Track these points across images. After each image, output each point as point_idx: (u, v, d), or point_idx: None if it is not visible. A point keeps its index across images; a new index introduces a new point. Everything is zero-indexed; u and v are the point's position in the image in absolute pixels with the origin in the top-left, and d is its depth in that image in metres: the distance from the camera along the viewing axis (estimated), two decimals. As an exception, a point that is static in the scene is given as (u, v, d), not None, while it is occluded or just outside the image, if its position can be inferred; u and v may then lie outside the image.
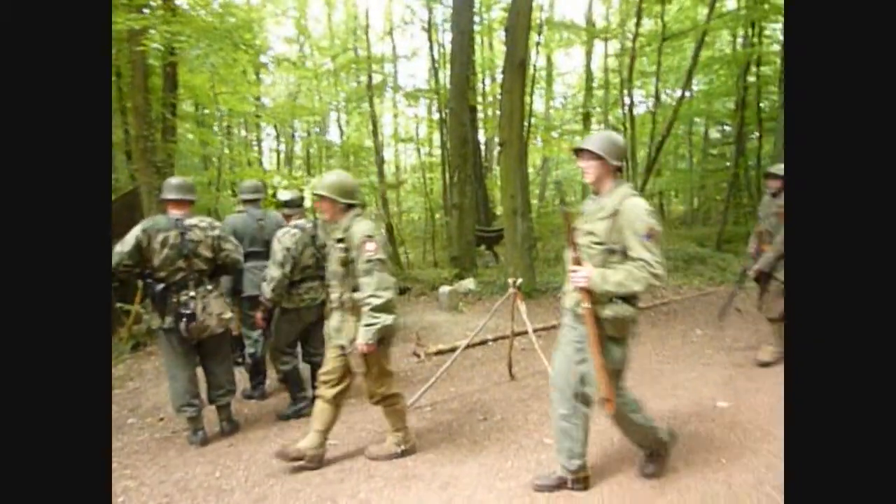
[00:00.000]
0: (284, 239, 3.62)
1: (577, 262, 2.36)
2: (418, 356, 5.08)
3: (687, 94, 12.37)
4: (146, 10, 5.83)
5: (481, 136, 14.53)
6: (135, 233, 3.14)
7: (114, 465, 3.17)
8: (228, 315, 3.41)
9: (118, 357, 5.25)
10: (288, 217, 3.85)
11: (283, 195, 4.02)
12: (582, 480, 2.63)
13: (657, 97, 12.35)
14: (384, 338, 2.82)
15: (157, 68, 7.91)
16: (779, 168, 4.32)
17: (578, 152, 2.44)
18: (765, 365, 4.38)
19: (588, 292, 2.30)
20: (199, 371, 3.46)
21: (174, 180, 3.43)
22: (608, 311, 2.32)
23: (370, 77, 11.87)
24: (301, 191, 3.72)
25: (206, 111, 13.50)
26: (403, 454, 3.06)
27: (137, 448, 3.41)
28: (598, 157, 2.35)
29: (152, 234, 3.15)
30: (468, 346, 5.15)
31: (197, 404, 3.36)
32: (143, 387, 4.55)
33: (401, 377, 4.58)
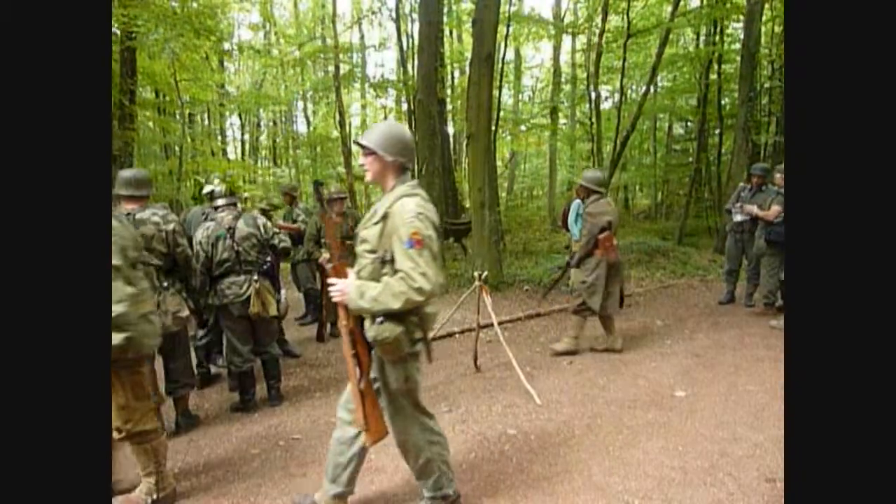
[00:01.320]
0: (196, 234, 3.60)
1: (336, 272, 2.09)
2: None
3: (651, 90, 12.63)
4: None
5: (450, 129, 14.52)
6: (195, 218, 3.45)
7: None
8: (185, 313, 3.31)
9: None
10: (216, 210, 3.75)
11: (207, 187, 3.83)
12: None
13: (622, 93, 12.56)
14: (122, 360, 2.24)
15: (114, 53, 7.61)
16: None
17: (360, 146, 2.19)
18: (557, 354, 4.74)
19: (345, 308, 2.04)
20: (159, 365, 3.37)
21: (127, 173, 3.28)
22: (370, 332, 2.02)
23: (337, 67, 11.69)
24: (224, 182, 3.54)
25: (167, 99, 13.06)
26: None
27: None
28: (374, 152, 2.10)
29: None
30: (434, 339, 5.16)
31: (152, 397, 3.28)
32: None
33: (367, 370, 4.57)
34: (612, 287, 4.61)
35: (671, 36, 10.34)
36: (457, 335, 5.48)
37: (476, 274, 4.24)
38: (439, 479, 2.33)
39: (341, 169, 13.46)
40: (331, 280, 2.07)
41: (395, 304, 1.92)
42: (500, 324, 4.56)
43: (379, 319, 1.99)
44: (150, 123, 13.05)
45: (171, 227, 3.24)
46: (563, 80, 16.38)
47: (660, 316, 6.13)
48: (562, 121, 17.06)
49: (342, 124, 11.59)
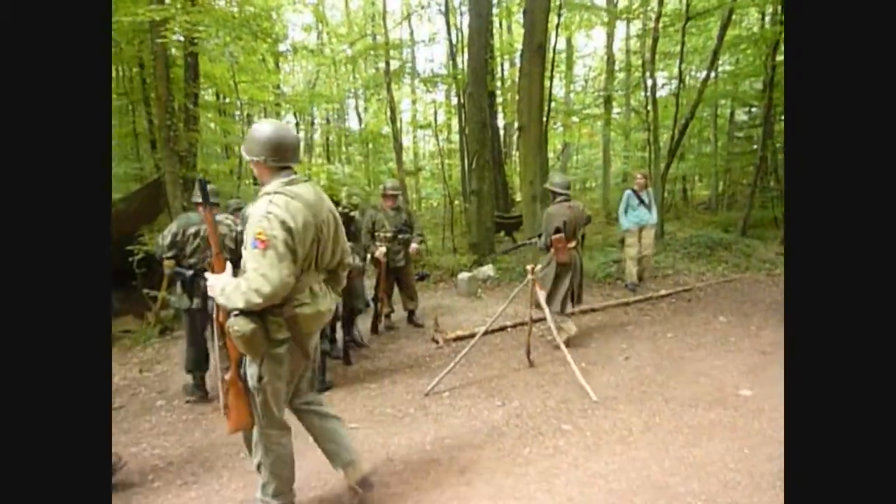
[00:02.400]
0: None
1: (214, 266, 2.20)
2: (437, 342, 5.11)
3: (712, 75, 12.05)
4: (167, 1, 5.89)
5: (500, 122, 14.40)
6: (171, 227, 3.87)
7: (143, 446, 3.28)
8: None
9: (147, 341, 5.39)
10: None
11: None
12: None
13: (681, 79, 12.03)
14: None
15: (178, 59, 8.00)
16: None
17: None
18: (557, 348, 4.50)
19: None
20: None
21: (211, 186, 3.95)
22: (228, 323, 2.06)
23: (388, 63, 11.81)
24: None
25: (227, 100, 13.62)
26: None
27: (165, 429, 3.51)
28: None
29: (185, 228, 3.84)
30: (487, 333, 5.16)
31: (207, 369, 3.98)
32: (171, 370, 4.68)
33: (419, 363, 4.63)
34: (559, 286, 4.69)
35: (734, 16, 9.79)
36: (509, 329, 5.45)
37: (529, 267, 4.20)
38: (268, 486, 2.32)
39: (393, 164, 13.62)
40: (206, 274, 2.20)
41: (239, 303, 1.97)
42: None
43: (234, 313, 2.04)
44: (212, 125, 13.64)
45: (239, 228, 3.92)
46: (616, 68, 15.88)
47: (722, 312, 5.87)
48: (616, 110, 16.56)
49: (393, 120, 11.70)
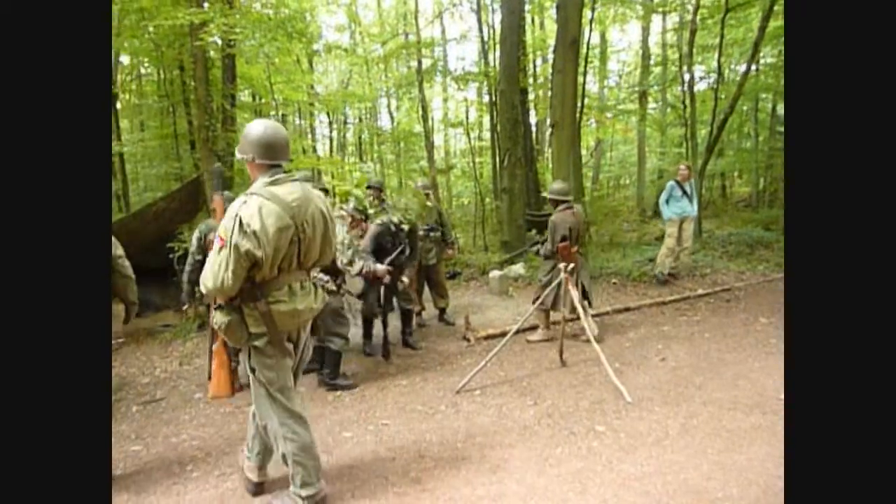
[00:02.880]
0: None
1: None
2: (468, 340, 5.10)
3: (753, 68, 11.64)
4: (206, 5, 6.04)
5: (532, 119, 14.26)
6: (195, 234, 4.20)
7: (182, 437, 3.38)
8: None
9: (186, 335, 5.56)
10: None
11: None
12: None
13: (720, 72, 11.66)
14: None
15: (216, 61, 8.20)
16: None
17: None
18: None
19: None
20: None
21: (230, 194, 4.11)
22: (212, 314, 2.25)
23: (419, 62, 11.84)
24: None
25: (263, 101, 13.90)
26: None
27: (204, 421, 3.61)
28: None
29: (206, 233, 4.07)
30: (518, 332, 5.12)
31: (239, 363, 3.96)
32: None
33: (450, 360, 4.63)
34: (567, 289, 4.58)
35: (776, 7, 9.42)
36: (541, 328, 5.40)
37: (562, 266, 4.15)
38: (295, 476, 2.35)
39: (424, 163, 13.66)
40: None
41: (203, 292, 2.16)
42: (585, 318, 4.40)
43: (214, 305, 2.23)
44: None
45: None
46: (652, 62, 15.52)
47: (763, 313, 5.68)
48: (651, 105, 16.19)
49: (425, 118, 11.74)
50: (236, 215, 2.07)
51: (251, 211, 2.08)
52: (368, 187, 5.97)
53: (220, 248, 2.06)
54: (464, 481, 2.66)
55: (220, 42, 6.59)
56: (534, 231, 11.24)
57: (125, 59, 11.76)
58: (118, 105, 11.67)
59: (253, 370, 2.28)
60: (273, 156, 2.21)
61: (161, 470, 2.96)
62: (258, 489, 2.61)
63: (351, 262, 3.95)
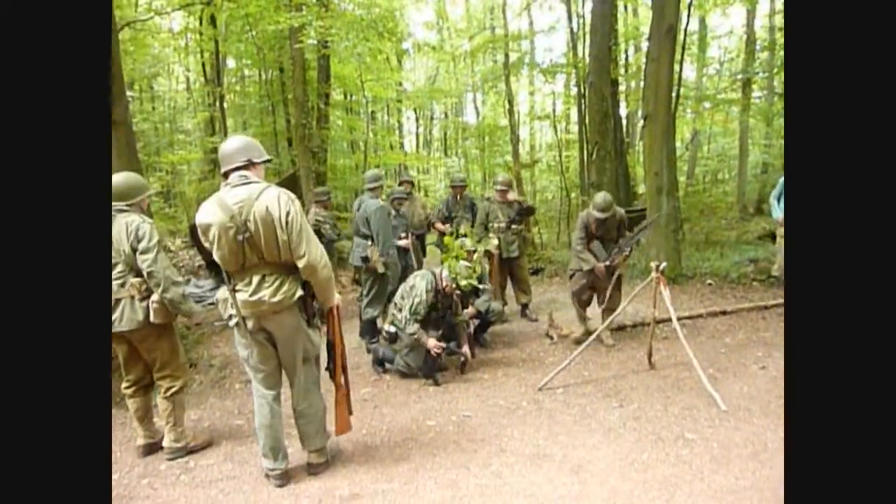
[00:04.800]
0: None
1: None
2: (551, 338, 5.04)
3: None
4: (304, 9, 6.38)
5: (623, 111, 13.70)
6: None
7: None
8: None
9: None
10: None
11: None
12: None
13: (839, 55, 10.54)
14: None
15: (312, 62, 8.65)
16: None
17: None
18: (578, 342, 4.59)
19: None
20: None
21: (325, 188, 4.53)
22: None
23: (507, 56, 11.75)
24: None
25: (354, 98, 14.46)
26: None
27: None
28: None
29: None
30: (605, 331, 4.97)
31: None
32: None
33: (532, 357, 4.60)
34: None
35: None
36: (629, 328, 5.22)
37: (654, 264, 3.97)
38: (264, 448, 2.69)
39: (509, 157, 13.58)
40: None
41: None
42: (678, 319, 4.17)
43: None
44: (340, 122, 14.58)
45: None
46: (758, 47, 14.32)
47: None
48: (756, 94, 14.97)
49: (511, 112, 11.65)
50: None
51: (200, 211, 2.50)
52: (453, 186, 6.06)
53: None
54: (545, 479, 2.65)
55: (316, 43, 6.94)
56: (622, 228, 10.85)
57: (231, 62, 12.71)
58: (225, 105, 12.64)
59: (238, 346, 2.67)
60: (224, 163, 2.57)
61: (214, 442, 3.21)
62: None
63: (408, 322, 4.00)
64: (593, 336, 4.22)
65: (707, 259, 7.87)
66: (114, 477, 2.86)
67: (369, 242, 4.86)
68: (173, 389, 3.01)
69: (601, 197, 4.55)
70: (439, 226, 5.89)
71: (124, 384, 3.07)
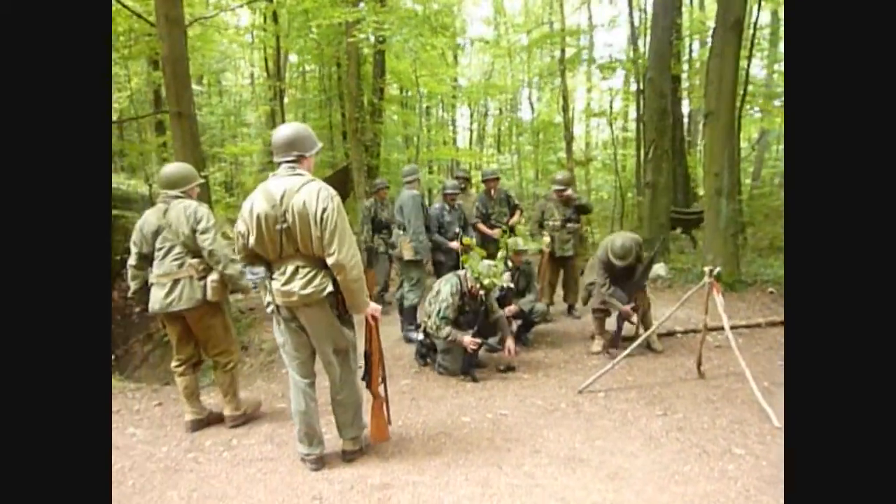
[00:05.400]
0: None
1: None
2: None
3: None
4: (362, 4, 6.50)
5: (686, 108, 13.16)
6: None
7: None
8: None
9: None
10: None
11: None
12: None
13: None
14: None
15: (368, 57, 8.79)
16: None
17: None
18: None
19: None
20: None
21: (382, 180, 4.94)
22: None
23: (563, 51, 11.53)
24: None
25: (409, 93, 14.59)
26: None
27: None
28: None
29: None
30: (652, 336, 4.81)
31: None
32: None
33: (575, 358, 4.50)
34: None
35: None
36: (679, 335, 5.01)
37: (707, 269, 3.79)
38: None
39: (562, 154, 13.33)
40: None
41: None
42: (733, 328, 3.96)
43: None
44: (395, 117, 14.76)
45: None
46: (838, 41, 13.38)
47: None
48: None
49: (565, 109, 11.43)
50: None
51: (249, 198, 2.60)
52: (485, 181, 5.96)
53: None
54: (579, 483, 2.58)
55: (371, 39, 7.05)
56: (678, 230, 10.43)
57: (293, 57, 13.10)
58: (286, 99, 13.06)
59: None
60: (274, 154, 2.63)
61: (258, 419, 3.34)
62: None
63: (439, 328, 3.98)
64: (639, 340, 4.08)
65: (770, 266, 7.44)
66: (163, 450, 3.02)
67: (401, 231, 5.02)
68: (230, 365, 3.25)
69: (619, 245, 4.34)
70: (481, 227, 5.69)
71: (174, 363, 3.26)
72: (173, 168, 3.22)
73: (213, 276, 3.05)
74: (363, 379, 2.85)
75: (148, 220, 3.14)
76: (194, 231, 3.01)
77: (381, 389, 2.87)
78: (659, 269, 7.42)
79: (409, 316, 5.09)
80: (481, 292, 4.10)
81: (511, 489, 2.54)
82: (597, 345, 4.69)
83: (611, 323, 4.66)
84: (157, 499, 2.53)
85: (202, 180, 3.57)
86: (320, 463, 2.76)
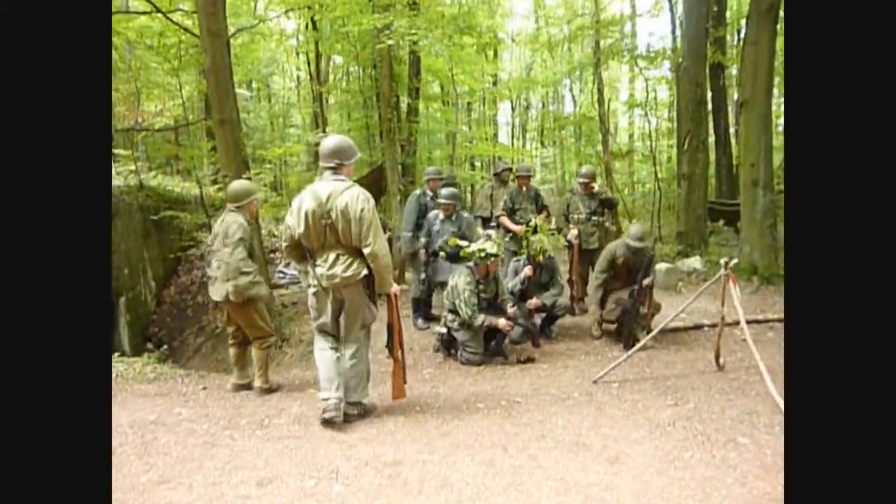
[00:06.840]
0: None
1: None
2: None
3: None
4: (391, 9, 6.72)
5: (734, 96, 12.71)
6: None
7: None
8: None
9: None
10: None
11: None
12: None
13: None
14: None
15: (404, 57, 9.02)
16: None
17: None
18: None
19: None
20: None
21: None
22: None
23: (597, 42, 11.39)
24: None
25: (447, 91, 14.76)
26: None
27: (384, 370, 4.15)
28: None
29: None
30: (676, 330, 4.84)
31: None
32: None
33: (596, 350, 4.58)
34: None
35: None
36: (706, 329, 4.99)
37: (723, 261, 3.80)
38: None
39: (600, 148, 13.17)
40: None
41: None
42: (765, 322, 3.95)
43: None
44: (438, 114, 14.96)
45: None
46: None
47: None
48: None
49: (601, 101, 11.30)
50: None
51: (297, 198, 3.11)
52: (518, 177, 6.01)
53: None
54: (579, 466, 2.71)
55: (396, 43, 7.27)
56: (721, 222, 10.15)
57: (339, 59, 13.53)
58: (329, 101, 13.52)
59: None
60: (321, 161, 3.15)
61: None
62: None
63: (473, 316, 4.19)
64: (652, 334, 4.13)
65: (813, 258, 7.19)
66: (203, 427, 3.36)
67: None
68: (265, 344, 3.92)
69: (635, 230, 4.64)
70: (505, 220, 5.74)
71: (230, 338, 4.02)
72: (235, 185, 3.97)
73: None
74: (386, 346, 3.39)
75: (215, 226, 4.03)
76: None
77: (399, 355, 3.34)
78: (694, 262, 7.33)
79: (413, 305, 5.59)
80: (489, 262, 4.29)
81: (513, 469, 2.70)
82: (595, 329, 4.96)
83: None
84: (196, 468, 2.85)
85: (259, 195, 4.22)
86: (338, 409, 3.16)
